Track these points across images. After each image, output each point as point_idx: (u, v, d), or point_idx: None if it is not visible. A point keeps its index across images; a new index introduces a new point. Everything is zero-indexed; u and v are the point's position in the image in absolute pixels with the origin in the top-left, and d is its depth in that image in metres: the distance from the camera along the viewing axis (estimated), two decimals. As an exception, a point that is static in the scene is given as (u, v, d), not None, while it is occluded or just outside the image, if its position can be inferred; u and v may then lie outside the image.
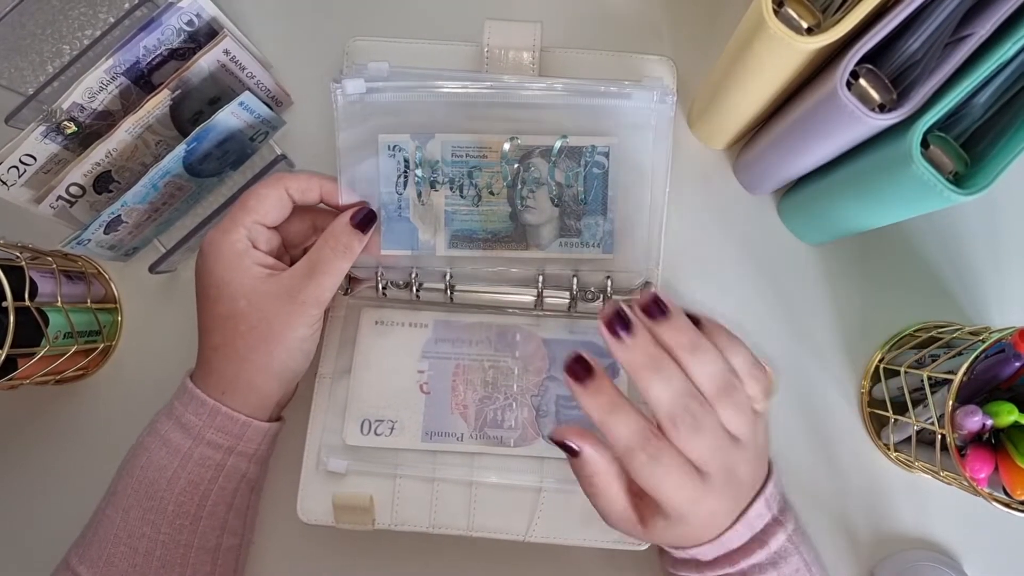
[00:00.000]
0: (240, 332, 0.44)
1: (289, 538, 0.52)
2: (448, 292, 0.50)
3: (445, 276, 0.50)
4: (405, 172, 0.47)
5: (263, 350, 0.44)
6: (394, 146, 0.47)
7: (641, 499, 0.39)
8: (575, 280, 0.50)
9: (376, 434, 0.50)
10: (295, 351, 0.45)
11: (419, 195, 0.48)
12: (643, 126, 0.47)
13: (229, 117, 0.48)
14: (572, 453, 0.39)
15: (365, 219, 0.46)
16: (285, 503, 0.50)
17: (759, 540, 0.40)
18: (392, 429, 0.50)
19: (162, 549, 0.43)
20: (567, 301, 0.50)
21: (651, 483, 0.36)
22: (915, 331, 0.52)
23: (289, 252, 0.48)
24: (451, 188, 0.48)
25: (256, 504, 0.50)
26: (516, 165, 0.47)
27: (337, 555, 0.52)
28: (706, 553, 0.40)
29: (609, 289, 0.50)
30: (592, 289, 0.50)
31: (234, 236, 0.44)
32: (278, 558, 0.52)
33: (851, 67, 0.36)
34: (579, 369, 0.37)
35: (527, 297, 0.50)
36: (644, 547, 0.49)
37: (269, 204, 0.45)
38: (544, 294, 0.50)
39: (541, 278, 0.50)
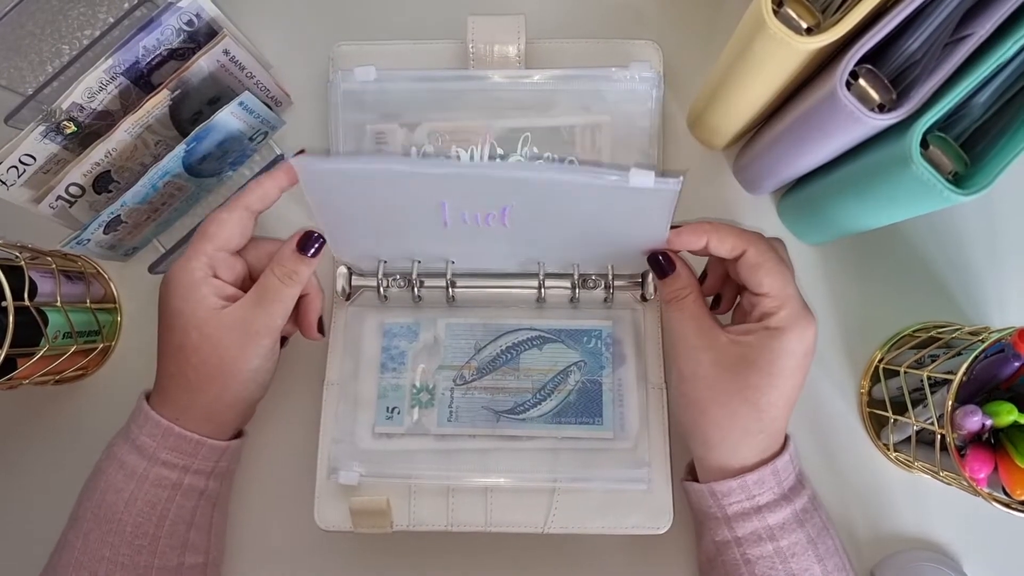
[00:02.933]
0: (192, 364, 0.44)
1: (309, 546, 0.52)
2: (449, 290, 0.50)
3: (445, 274, 0.50)
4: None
5: (218, 383, 0.44)
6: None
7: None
8: (576, 267, 0.50)
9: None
10: (249, 383, 0.45)
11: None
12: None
13: (229, 117, 0.48)
14: (665, 271, 0.45)
15: (309, 244, 0.45)
16: (302, 511, 0.50)
17: (791, 493, 0.43)
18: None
19: (122, 571, 0.43)
20: (569, 291, 0.50)
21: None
22: (915, 331, 0.52)
23: (254, 280, 0.48)
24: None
25: (222, 521, 0.49)
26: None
27: (358, 560, 0.52)
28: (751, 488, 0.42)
29: (610, 275, 0.50)
30: (593, 276, 0.50)
31: (193, 264, 0.44)
32: (300, 568, 0.52)
33: (851, 67, 0.36)
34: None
35: (528, 291, 0.50)
36: (662, 531, 0.48)
37: (230, 229, 0.45)
38: (545, 284, 0.50)
39: (542, 269, 0.50)
